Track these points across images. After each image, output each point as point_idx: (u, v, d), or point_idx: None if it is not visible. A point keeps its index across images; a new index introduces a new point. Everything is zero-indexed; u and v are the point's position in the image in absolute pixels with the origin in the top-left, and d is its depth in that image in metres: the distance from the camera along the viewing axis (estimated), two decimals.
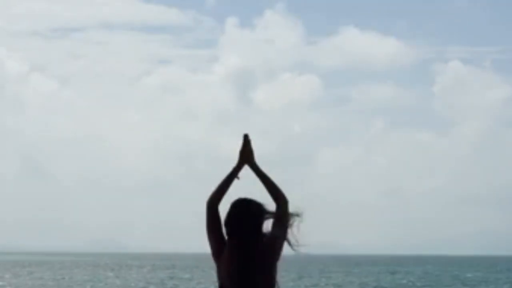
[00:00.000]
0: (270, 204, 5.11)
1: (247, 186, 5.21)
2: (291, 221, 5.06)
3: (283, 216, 5.00)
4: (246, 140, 5.06)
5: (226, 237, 5.05)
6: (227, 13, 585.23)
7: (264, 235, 5.01)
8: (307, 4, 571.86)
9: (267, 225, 5.08)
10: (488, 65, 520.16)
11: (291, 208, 5.09)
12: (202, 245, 5.24)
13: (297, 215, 5.09)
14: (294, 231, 5.07)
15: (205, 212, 5.07)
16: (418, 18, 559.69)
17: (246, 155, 5.07)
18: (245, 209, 5.01)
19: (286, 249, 5.12)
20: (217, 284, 5.06)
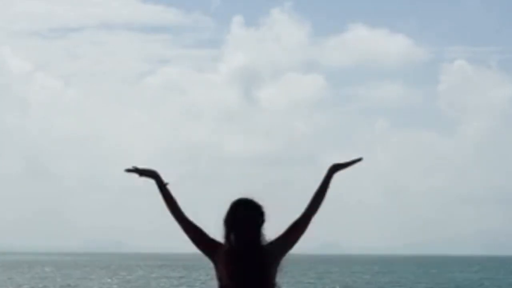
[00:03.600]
0: (266, 206, 5.00)
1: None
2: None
3: (304, 224, 5.00)
4: (136, 171, 5.09)
5: (221, 237, 4.99)
6: (232, 12, 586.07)
7: (263, 235, 4.94)
8: (316, 2, 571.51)
9: (265, 226, 4.98)
10: (494, 64, 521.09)
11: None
12: None
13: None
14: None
15: (181, 228, 5.10)
16: (426, 17, 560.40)
17: (147, 172, 5.13)
18: (247, 209, 4.93)
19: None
20: (216, 284, 5.00)
